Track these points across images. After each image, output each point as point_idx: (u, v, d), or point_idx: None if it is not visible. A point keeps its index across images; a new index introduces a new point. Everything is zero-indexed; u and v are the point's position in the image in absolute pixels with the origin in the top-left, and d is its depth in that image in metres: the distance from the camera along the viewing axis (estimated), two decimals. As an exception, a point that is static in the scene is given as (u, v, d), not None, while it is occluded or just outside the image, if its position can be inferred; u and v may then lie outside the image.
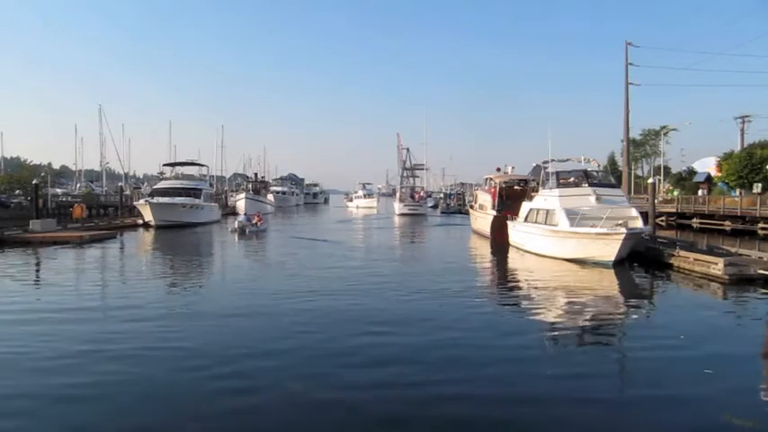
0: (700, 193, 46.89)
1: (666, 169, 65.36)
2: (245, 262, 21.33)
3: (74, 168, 77.36)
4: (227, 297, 13.28)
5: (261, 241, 28.96)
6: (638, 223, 19.02)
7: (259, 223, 34.05)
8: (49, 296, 13.38)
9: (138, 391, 6.87)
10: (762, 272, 14.89)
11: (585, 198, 20.20)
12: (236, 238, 29.88)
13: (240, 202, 53.42)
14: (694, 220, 38.38)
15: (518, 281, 17.14)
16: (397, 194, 64.47)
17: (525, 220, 23.25)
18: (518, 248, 23.34)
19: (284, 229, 37.39)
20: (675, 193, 47.20)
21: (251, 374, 7.42)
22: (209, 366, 7.72)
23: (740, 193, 41.61)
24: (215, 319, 10.70)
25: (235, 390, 6.84)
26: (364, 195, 78.11)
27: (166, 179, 44.54)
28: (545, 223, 20.78)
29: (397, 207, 57.24)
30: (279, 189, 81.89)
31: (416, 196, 61.50)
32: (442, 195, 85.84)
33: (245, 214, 36.89)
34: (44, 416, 6.14)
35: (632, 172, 59.75)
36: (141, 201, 37.24)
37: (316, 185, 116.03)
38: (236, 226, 32.40)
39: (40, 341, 8.94)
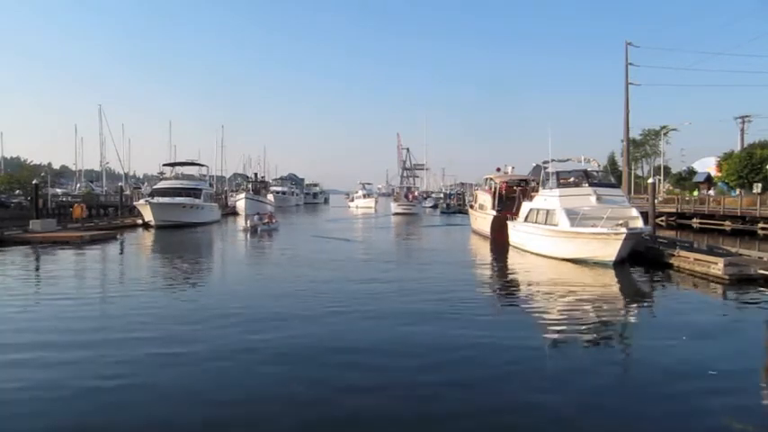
0: (711, 192, 46.83)
1: (666, 169, 65.38)
2: (273, 264, 20.96)
3: (74, 168, 77.41)
4: (255, 300, 13.09)
5: (275, 240, 29.22)
6: (639, 223, 19.02)
7: (270, 223, 34.62)
8: (49, 303, 13.14)
9: (143, 393, 6.87)
10: (762, 272, 14.89)
11: (586, 198, 20.19)
12: (248, 237, 30.10)
13: (240, 202, 53.44)
14: (694, 220, 38.37)
15: (518, 281, 17.11)
16: (394, 195, 67.00)
17: (525, 220, 23.25)
18: (518, 248, 23.33)
19: (291, 229, 37.36)
20: (695, 193, 47.09)
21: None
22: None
23: (740, 193, 41.62)
24: (260, 324, 10.28)
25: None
26: (363, 195, 78.67)
27: (166, 179, 44.56)
28: (545, 223, 20.77)
29: (393, 207, 59.43)
30: (279, 189, 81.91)
31: (410, 196, 63.56)
32: (442, 195, 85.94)
33: (257, 213, 37.28)
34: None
35: (632, 172, 59.75)
36: (141, 201, 37.28)
37: (316, 185, 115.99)
38: (249, 225, 32.88)
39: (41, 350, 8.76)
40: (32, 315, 11.15)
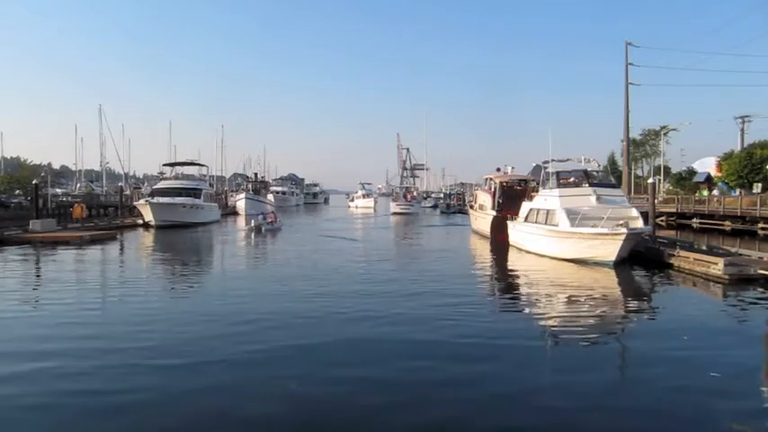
0: (716, 192, 46.89)
1: (666, 169, 65.35)
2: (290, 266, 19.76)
3: (74, 168, 77.54)
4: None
5: (279, 240, 29.36)
6: (639, 223, 19.02)
7: (273, 222, 34.95)
8: (54, 308, 13.07)
9: (141, 389, 6.85)
10: (762, 272, 14.90)
11: (586, 198, 20.19)
12: (253, 237, 30.16)
13: (240, 202, 53.47)
14: (694, 220, 38.37)
15: (518, 281, 17.10)
16: (393, 195, 69.63)
17: (525, 220, 23.26)
18: (518, 248, 23.34)
19: (293, 230, 37.29)
20: (705, 193, 47.13)
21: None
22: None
23: (740, 193, 41.62)
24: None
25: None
26: (363, 196, 79.15)
27: (166, 179, 44.63)
28: (545, 223, 20.78)
29: (392, 206, 60.87)
30: (279, 189, 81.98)
31: (409, 196, 65.30)
32: (442, 195, 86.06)
33: (261, 213, 37.45)
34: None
35: (632, 172, 59.73)
36: (141, 201, 37.33)
37: (316, 185, 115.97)
38: (252, 225, 33.06)
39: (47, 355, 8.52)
40: (31, 321, 10.81)
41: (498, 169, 33.77)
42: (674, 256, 17.73)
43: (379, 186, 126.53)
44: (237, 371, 7.66)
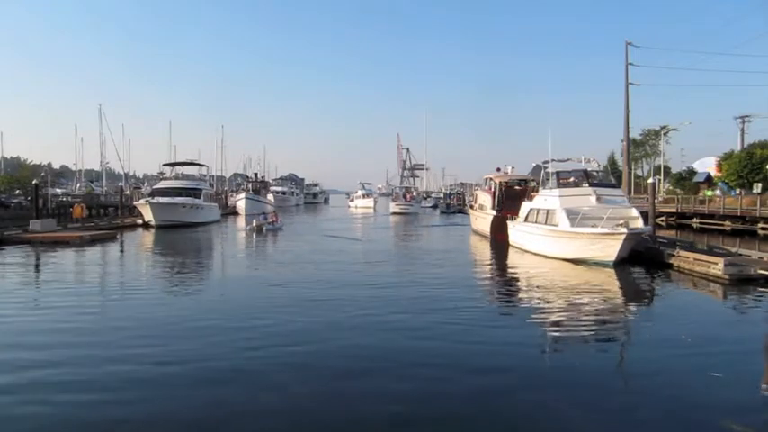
0: (718, 192, 46.94)
1: (666, 169, 65.37)
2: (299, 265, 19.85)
3: (74, 168, 77.54)
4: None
5: (281, 240, 29.34)
6: (639, 223, 19.03)
7: (275, 222, 34.98)
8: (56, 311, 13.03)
9: (140, 395, 6.85)
10: (762, 272, 14.91)
11: (586, 198, 20.19)
12: (254, 236, 30.19)
13: (240, 202, 53.48)
14: (694, 220, 38.40)
15: (519, 283, 17.05)
16: (393, 195, 70.92)
17: (525, 220, 23.26)
18: (518, 248, 23.34)
19: (294, 230, 37.25)
20: (709, 193, 47.10)
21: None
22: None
23: (740, 193, 41.64)
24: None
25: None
26: (363, 196, 79.26)
27: (166, 179, 44.65)
28: (545, 223, 20.78)
29: (391, 206, 61.38)
30: (279, 189, 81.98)
31: (408, 196, 65.78)
32: (442, 195, 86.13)
33: (263, 213, 37.52)
34: None
35: (632, 172, 59.74)
36: (141, 201, 37.36)
37: (316, 185, 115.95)
38: (254, 224, 33.14)
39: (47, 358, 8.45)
40: (31, 326, 10.59)
41: (498, 169, 33.78)
42: (674, 256, 17.74)
43: (379, 186, 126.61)
44: (237, 378, 7.49)
